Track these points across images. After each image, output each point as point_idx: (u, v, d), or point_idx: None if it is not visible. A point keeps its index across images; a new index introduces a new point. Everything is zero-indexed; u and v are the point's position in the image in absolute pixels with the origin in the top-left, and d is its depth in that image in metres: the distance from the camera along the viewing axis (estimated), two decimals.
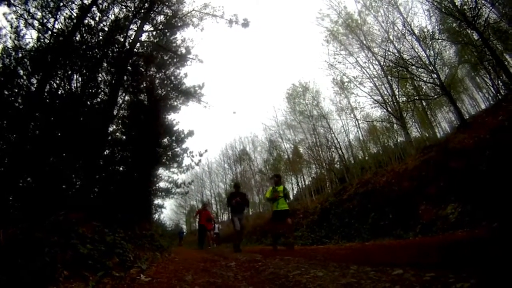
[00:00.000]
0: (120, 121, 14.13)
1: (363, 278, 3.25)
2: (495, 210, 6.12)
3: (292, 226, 10.36)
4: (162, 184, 17.73)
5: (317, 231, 13.63)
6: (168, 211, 42.34)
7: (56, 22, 10.90)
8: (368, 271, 3.46)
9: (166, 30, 14.40)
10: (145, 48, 14.07)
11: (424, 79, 15.64)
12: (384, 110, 18.07)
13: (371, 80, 18.15)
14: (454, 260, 3.66)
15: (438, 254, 4.41)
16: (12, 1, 10.27)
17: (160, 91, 15.84)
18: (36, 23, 10.71)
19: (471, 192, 7.19)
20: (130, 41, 12.31)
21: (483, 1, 12.91)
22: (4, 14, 10.52)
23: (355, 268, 3.75)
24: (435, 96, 16.57)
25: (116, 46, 12.10)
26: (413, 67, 15.52)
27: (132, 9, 12.56)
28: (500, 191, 6.25)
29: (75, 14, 10.93)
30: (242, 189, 30.34)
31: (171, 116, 16.75)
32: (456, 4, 13.41)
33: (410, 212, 8.95)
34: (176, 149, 16.75)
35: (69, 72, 10.58)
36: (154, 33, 14.14)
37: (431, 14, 15.54)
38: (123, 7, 12.60)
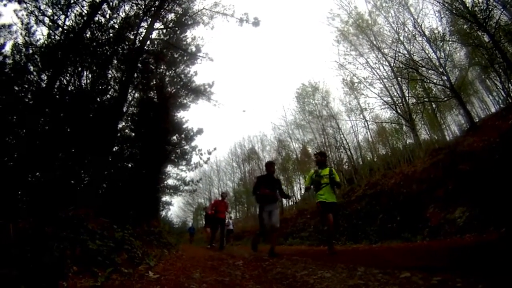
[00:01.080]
0: (129, 118, 14.26)
1: (370, 280, 3.25)
2: (504, 214, 6.07)
3: (333, 226, 7.13)
4: (170, 182, 17.96)
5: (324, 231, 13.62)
6: (175, 208, 42.71)
7: (67, 19, 11.02)
8: (375, 273, 3.45)
9: (177, 28, 14.42)
10: (155, 46, 14.13)
11: (434, 81, 15.58)
12: (394, 111, 18.06)
13: (381, 81, 18.13)
14: (462, 265, 3.64)
15: (446, 258, 4.39)
16: None
17: (170, 89, 15.95)
18: (46, 20, 10.82)
19: (479, 196, 7.14)
20: (141, 38, 12.35)
21: (494, 3, 12.81)
22: (15, 11, 10.63)
23: (362, 270, 3.75)
24: (445, 99, 16.49)
25: (126, 43, 12.16)
26: (423, 68, 15.46)
27: (143, 6, 12.62)
28: (509, 195, 6.20)
29: (85, 12, 11.01)
30: (252, 186, 29.61)
31: (181, 114, 16.94)
32: (467, 5, 13.32)
33: (418, 215, 8.90)
34: (185, 147, 16.87)
35: (79, 69, 10.68)
36: (165, 31, 14.17)
37: (442, 16, 15.42)
38: (134, 4, 12.69)
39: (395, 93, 17.74)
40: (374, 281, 3.18)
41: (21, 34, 10.67)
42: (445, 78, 14.53)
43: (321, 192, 7.14)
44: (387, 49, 17.45)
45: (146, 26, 12.64)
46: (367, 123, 21.90)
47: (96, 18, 11.17)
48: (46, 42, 10.68)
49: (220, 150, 63.73)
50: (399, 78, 17.05)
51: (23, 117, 8.48)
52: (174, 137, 16.54)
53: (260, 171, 32.80)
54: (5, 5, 10.10)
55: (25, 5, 10.59)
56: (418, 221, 8.76)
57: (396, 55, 16.42)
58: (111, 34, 11.64)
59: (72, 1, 11.00)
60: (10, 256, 3.21)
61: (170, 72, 15.54)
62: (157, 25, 13.37)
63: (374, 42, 18.03)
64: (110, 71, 12.10)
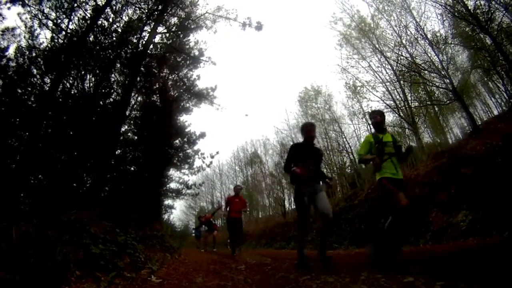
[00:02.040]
0: (132, 122, 14.29)
1: (373, 284, 3.23)
2: (507, 218, 6.05)
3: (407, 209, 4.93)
4: (172, 185, 17.93)
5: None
6: (178, 212, 42.47)
7: (70, 23, 11.09)
8: (378, 278, 3.42)
9: (180, 32, 14.47)
10: (158, 50, 14.17)
11: (437, 84, 15.54)
12: (396, 115, 18.03)
13: (384, 84, 18.05)
14: (465, 269, 3.62)
15: (449, 263, 4.37)
16: (26, 1, 10.42)
17: (172, 93, 15.96)
18: (50, 23, 10.91)
19: (482, 200, 7.12)
20: (144, 42, 12.39)
21: (496, 5, 12.79)
22: (18, 14, 10.70)
23: (365, 274, 3.72)
24: (448, 102, 16.44)
25: (129, 47, 12.21)
26: (426, 71, 15.42)
27: (146, 10, 12.67)
28: None
29: (88, 15, 11.09)
30: (255, 189, 28.26)
31: (183, 118, 16.88)
32: (469, 8, 13.31)
33: (421, 219, 8.86)
34: (188, 151, 16.88)
35: (82, 72, 10.72)
36: (168, 34, 14.23)
37: (444, 18, 15.39)
38: (137, 8, 12.73)
39: (398, 97, 17.70)
40: (377, 286, 3.16)
41: (24, 37, 10.77)
42: (448, 81, 14.50)
43: (385, 164, 4.90)
44: (390, 53, 17.39)
45: (149, 30, 12.69)
46: (369, 127, 21.85)
47: (100, 22, 11.24)
48: (49, 45, 10.75)
49: (223, 153, 63.46)
50: (401, 82, 17.00)
51: (26, 120, 8.51)
52: (177, 141, 16.56)
53: (263, 175, 32.48)
54: (9, 8, 10.16)
55: (28, 9, 10.68)
56: (420, 225, 8.72)
57: (399, 58, 16.41)
58: (114, 38, 11.70)
59: (75, 5, 11.06)
60: (13, 260, 3.21)
61: (173, 76, 15.60)
62: (160, 29, 13.46)
63: (377, 46, 17.97)
64: (113, 75, 12.15)
